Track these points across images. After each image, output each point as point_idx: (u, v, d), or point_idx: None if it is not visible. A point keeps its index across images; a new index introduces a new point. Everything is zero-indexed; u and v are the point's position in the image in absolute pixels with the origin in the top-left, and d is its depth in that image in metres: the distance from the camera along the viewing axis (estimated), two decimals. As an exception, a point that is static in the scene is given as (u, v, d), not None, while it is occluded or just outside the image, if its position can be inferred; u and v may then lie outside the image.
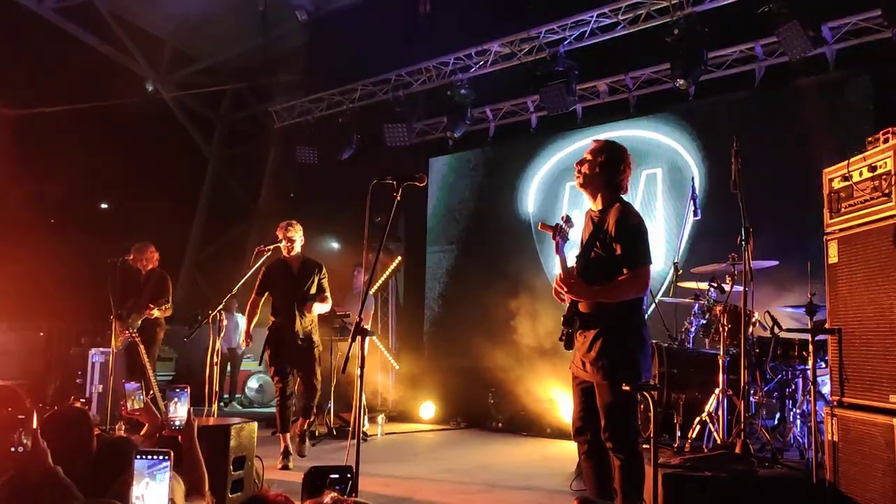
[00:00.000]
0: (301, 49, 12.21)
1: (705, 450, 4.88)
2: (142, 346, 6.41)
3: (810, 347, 4.44)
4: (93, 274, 7.46)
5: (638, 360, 3.52)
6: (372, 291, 10.12)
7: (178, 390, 3.28)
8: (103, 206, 14.57)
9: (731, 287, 5.21)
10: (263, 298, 6.28)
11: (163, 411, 3.60)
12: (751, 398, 5.09)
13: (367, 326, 4.66)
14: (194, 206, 13.92)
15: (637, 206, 3.87)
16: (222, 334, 5.77)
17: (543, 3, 9.33)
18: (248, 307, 6.23)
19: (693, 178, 7.33)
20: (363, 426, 7.40)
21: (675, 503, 4.04)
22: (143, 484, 2.29)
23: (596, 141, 3.83)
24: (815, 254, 6.96)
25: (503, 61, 9.68)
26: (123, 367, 7.06)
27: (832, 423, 4.06)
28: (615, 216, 3.57)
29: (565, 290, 3.61)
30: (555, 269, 8.84)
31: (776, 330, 5.33)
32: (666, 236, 8.69)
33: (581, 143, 9.32)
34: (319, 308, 6.23)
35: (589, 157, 3.73)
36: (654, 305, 6.38)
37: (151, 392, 6.09)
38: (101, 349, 8.18)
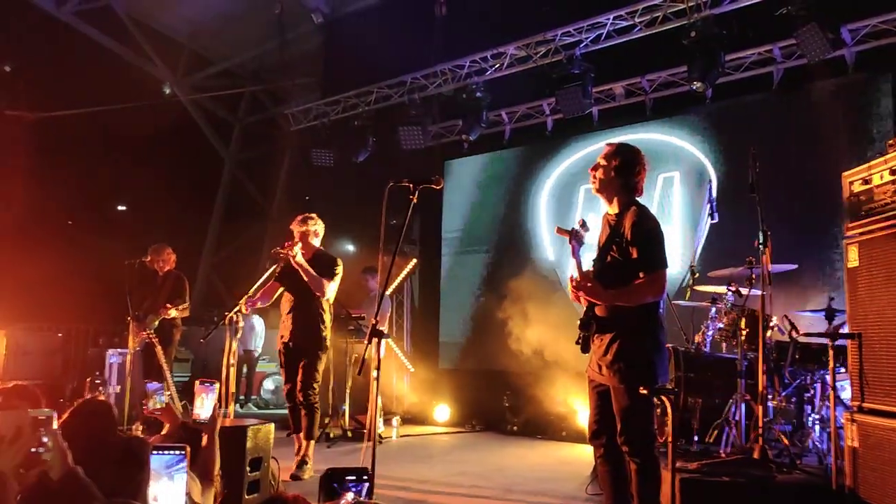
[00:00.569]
0: (317, 52, 12.22)
1: (723, 455, 4.84)
2: (159, 347, 6.44)
3: (829, 352, 4.37)
4: (110, 275, 7.45)
5: (655, 363, 3.50)
6: (388, 293, 10.06)
7: (207, 385, 3.34)
8: (120, 207, 14.67)
9: (749, 291, 5.16)
10: (279, 291, 6.01)
11: (180, 412, 3.63)
12: (769, 403, 5.03)
13: (384, 329, 4.83)
14: (210, 208, 13.93)
15: (653, 210, 3.85)
16: (238, 336, 5.57)
17: (560, 5, 9.28)
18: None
19: (710, 181, 7.27)
20: (378, 428, 7.43)
21: (691, 508, 3.99)
22: (160, 483, 2.31)
23: (609, 145, 3.80)
24: (834, 258, 7.11)
25: (519, 64, 9.64)
26: (140, 368, 7.12)
27: (852, 429, 4.01)
28: (631, 220, 3.55)
29: (582, 293, 3.59)
30: (570, 272, 8.97)
31: (794, 334, 5.28)
32: (682, 239, 8.63)
33: (597, 146, 9.20)
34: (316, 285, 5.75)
35: (603, 161, 3.71)
36: (669, 308, 6.33)
37: (169, 392, 6.06)
38: (119, 350, 8.08)
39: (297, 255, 5.66)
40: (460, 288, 10.87)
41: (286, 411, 6.09)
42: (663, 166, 8.90)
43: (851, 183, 4.31)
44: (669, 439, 3.45)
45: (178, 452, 2.34)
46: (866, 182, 4.14)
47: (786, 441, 4.84)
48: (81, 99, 11.65)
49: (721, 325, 5.56)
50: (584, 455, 6.93)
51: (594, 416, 3.73)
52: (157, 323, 6.98)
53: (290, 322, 5.89)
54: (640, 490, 3.49)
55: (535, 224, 10.24)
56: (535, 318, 8.72)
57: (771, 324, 5.29)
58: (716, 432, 5.12)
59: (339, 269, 5.92)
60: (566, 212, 9.74)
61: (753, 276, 5.10)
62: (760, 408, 4.72)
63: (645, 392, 3.34)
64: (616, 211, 3.70)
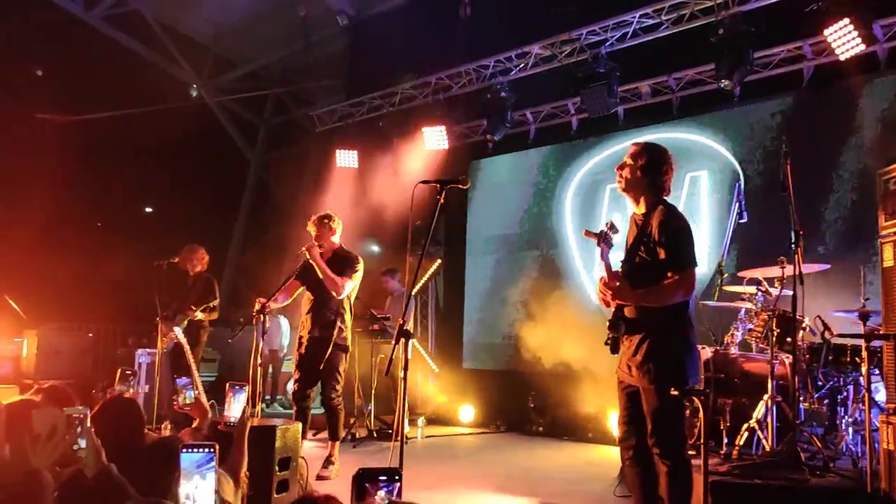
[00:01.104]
0: (341, 53, 12.20)
1: (754, 457, 4.76)
2: (187, 347, 6.22)
3: (863, 353, 4.30)
4: (138, 276, 7.51)
5: (685, 363, 3.48)
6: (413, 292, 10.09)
7: (237, 387, 3.36)
8: (147, 209, 14.80)
9: (780, 291, 5.09)
10: (300, 290, 5.92)
11: (208, 410, 3.65)
12: (801, 405, 4.95)
13: (410, 329, 4.80)
14: (236, 210, 13.98)
15: (681, 209, 3.80)
16: (265, 336, 5.63)
17: (585, 4, 9.21)
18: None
19: (739, 180, 7.17)
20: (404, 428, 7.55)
21: (723, 511, 3.95)
22: (192, 483, 2.32)
23: (636, 144, 3.77)
24: (868, 257, 6.98)
25: (544, 63, 9.58)
26: (169, 368, 7.15)
27: (888, 432, 3.94)
28: (659, 219, 3.52)
29: (610, 294, 3.58)
30: (595, 272, 9.08)
31: (827, 335, 5.19)
32: (711, 239, 8.54)
33: (622, 146, 9.16)
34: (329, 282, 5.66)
35: (629, 160, 3.68)
36: (697, 309, 6.25)
37: (198, 391, 6.31)
38: (148, 350, 8.23)
39: (315, 252, 5.63)
40: (485, 288, 10.83)
41: (313, 411, 6.06)
42: (690, 165, 8.80)
43: (886, 181, 4.24)
44: (702, 441, 3.37)
45: (208, 451, 2.34)
46: (902, 180, 4.08)
47: (818, 444, 4.76)
48: (109, 102, 11.77)
49: (751, 326, 5.49)
50: (611, 456, 6.91)
51: (623, 417, 3.72)
52: (185, 323, 7.01)
53: (309, 321, 5.83)
54: (671, 492, 3.45)
55: (561, 224, 10.16)
56: (560, 318, 8.70)
57: (803, 325, 5.20)
58: (746, 434, 5.06)
59: (360, 268, 5.86)
60: (592, 212, 9.67)
61: (784, 276, 5.01)
62: (792, 410, 4.64)
63: (676, 393, 3.31)
64: (643, 211, 3.67)
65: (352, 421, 8.15)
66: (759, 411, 5.01)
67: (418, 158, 10.53)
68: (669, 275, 3.45)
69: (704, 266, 8.02)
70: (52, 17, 11.01)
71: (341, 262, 5.77)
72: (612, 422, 7.32)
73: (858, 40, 7.29)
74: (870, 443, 4.16)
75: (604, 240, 3.61)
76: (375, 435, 8.10)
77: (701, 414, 3.22)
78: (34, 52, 11.62)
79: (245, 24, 12.02)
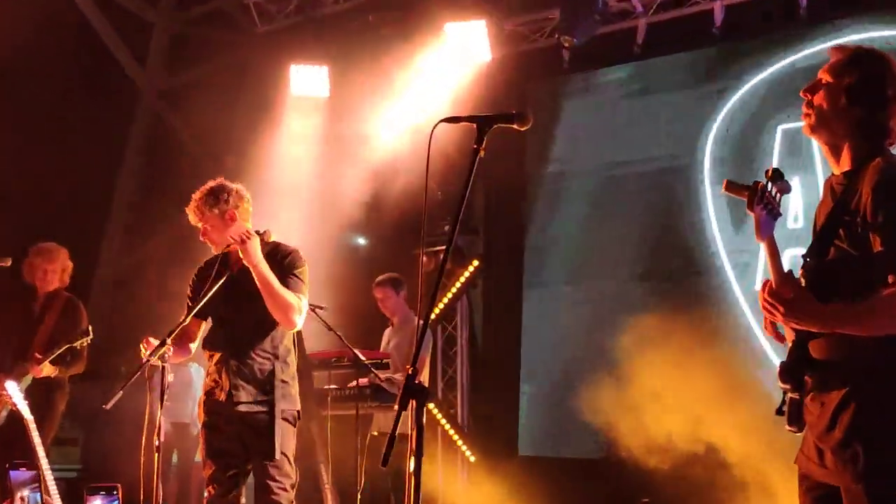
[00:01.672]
0: None
1: None
2: (31, 420, 5.32)
3: None
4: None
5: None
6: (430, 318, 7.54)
7: (102, 493, 3.36)
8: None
9: None
10: (202, 326, 4.71)
11: None
12: None
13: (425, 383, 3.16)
14: (115, 174, 10.40)
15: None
16: (164, 400, 4.15)
17: None
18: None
19: None
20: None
21: None
22: None
23: (839, 49, 2.83)
24: None
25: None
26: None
27: None
28: (875, 181, 2.55)
29: (782, 311, 2.63)
30: (759, 277, 7.18)
31: None
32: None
33: (808, 52, 7.08)
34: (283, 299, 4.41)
35: (828, 77, 2.72)
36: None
37: (47, 495, 5.11)
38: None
39: (253, 249, 4.26)
40: (557, 311, 8.07)
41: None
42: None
43: None
44: None
45: None
46: None
47: None
48: None
49: None
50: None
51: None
52: (29, 380, 5.81)
53: (224, 378, 4.46)
54: None
55: (694, 196, 7.47)
56: (695, 366, 6.60)
57: None
58: None
59: (305, 271, 4.59)
60: (746, 168, 7.28)
61: None
62: None
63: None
64: (847, 168, 2.73)
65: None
66: None
67: (438, 80, 7.84)
68: (890, 280, 2.53)
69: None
70: None
71: (281, 267, 4.40)
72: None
73: None
74: None
75: (762, 199, 2.56)
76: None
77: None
78: None
79: None
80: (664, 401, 6.74)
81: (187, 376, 8.08)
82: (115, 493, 2.84)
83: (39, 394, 5.87)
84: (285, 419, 4.47)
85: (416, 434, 2.45)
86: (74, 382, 6.58)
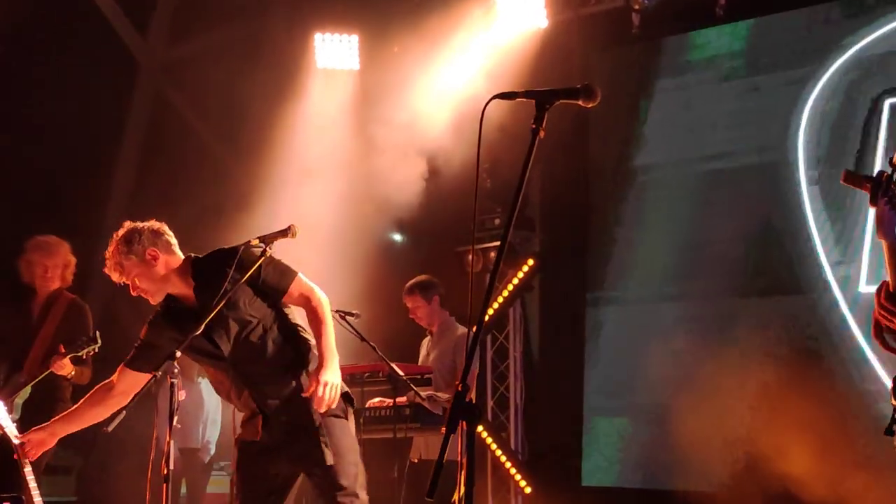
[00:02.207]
0: None
1: None
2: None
3: None
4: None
5: None
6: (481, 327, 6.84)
7: None
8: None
9: None
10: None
11: None
12: None
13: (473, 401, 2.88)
14: (114, 157, 9.67)
15: None
16: (174, 420, 3.72)
17: None
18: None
19: None
20: None
21: None
22: None
23: None
24: None
25: None
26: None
27: None
28: None
29: None
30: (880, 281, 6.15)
31: None
32: None
33: None
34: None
35: None
36: None
37: None
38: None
39: (335, 371, 3.93)
40: (631, 319, 7.33)
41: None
42: None
43: None
44: None
45: None
46: None
47: None
48: None
49: None
50: None
51: None
52: (26, 394, 5.42)
53: (257, 400, 4.09)
54: None
55: (790, 187, 6.65)
56: (799, 385, 6.14)
57: None
58: None
59: (286, 267, 4.07)
60: (848, 150, 6.59)
61: None
62: None
63: None
64: None
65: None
66: None
67: (486, 51, 7.35)
68: None
69: None
70: None
71: (274, 289, 4.01)
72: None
73: None
74: None
75: (886, 191, 2.39)
76: None
77: None
78: None
79: None
80: (770, 412, 6.23)
81: (197, 395, 7.50)
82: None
83: (39, 408, 5.35)
84: (333, 413, 4.09)
85: (466, 461, 2.37)
86: (75, 399, 5.52)
